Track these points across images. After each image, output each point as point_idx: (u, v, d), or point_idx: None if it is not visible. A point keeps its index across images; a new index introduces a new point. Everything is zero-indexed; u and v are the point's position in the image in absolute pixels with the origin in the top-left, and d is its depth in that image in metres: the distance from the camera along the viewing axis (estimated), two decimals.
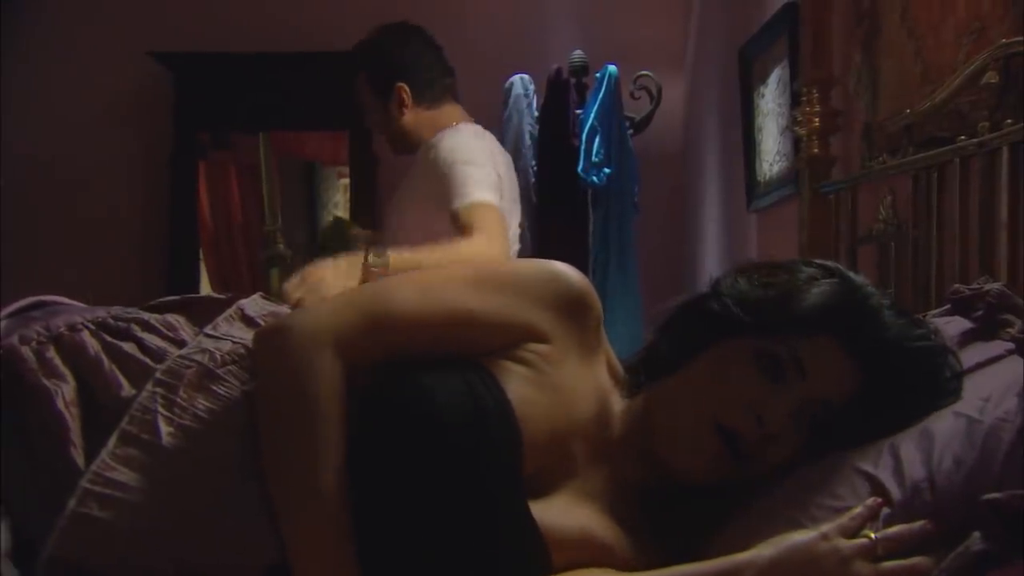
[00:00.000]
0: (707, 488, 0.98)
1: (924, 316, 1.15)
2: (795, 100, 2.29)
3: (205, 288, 3.81)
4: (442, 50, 2.48)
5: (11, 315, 1.06)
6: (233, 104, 3.65)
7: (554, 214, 3.40)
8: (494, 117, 3.57)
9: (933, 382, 0.97)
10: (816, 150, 2.10)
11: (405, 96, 2.35)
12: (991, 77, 1.51)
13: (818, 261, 1.04)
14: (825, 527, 0.88)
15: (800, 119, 2.12)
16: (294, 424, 0.92)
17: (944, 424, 0.92)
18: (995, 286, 1.10)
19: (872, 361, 0.95)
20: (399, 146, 2.41)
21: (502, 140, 3.50)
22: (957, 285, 1.18)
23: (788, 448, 0.96)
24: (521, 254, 3.27)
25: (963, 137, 1.56)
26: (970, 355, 1.03)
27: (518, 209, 2.52)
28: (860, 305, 0.97)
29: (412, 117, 2.36)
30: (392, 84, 2.35)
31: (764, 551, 0.88)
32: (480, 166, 2.17)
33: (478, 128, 2.41)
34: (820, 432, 0.96)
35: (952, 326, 1.11)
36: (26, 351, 0.98)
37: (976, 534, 0.82)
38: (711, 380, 0.97)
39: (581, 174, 3.30)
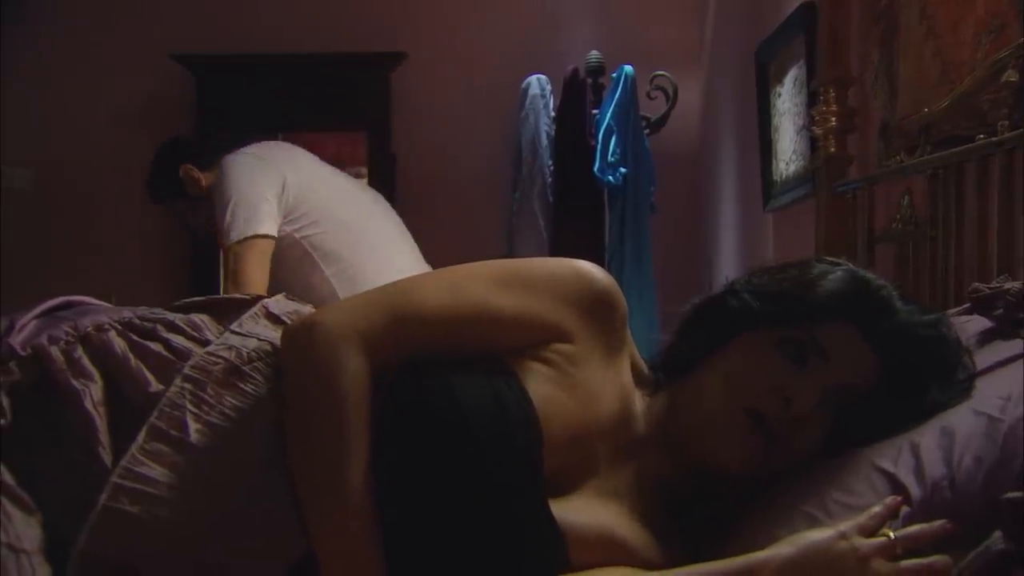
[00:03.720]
0: (736, 482, 0.99)
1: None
2: (812, 99, 2.29)
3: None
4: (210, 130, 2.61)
5: (40, 315, 1.07)
6: (253, 105, 3.68)
7: (571, 213, 3.41)
8: (511, 117, 3.59)
9: (944, 361, 0.98)
10: (833, 149, 2.10)
11: (192, 172, 2.46)
12: (1010, 75, 1.51)
13: (828, 258, 1.07)
14: (843, 526, 0.88)
15: (817, 118, 2.12)
16: (320, 419, 0.93)
17: (964, 422, 0.92)
18: (1015, 285, 1.10)
19: (887, 345, 0.97)
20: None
21: (519, 140, 3.52)
22: (976, 284, 1.18)
23: (816, 434, 0.96)
24: (538, 254, 3.30)
25: (982, 136, 1.56)
26: (990, 354, 1.03)
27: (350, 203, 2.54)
28: (873, 291, 1.00)
29: (210, 185, 2.43)
30: (176, 176, 2.46)
31: (782, 550, 0.88)
32: (244, 196, 2.31)
33: (261, 147, 2.49)
34: (845, 421, 0.96)
35: (972, 325, 1.11)
36: (55, 351, 0.99)
37: (997, 533, 0.82)
38: (736, 370, 0.99)
39: (597, 174, 3.31)
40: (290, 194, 2.35)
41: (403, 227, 2.64)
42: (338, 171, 2.64)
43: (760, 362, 0.97)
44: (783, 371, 0.96)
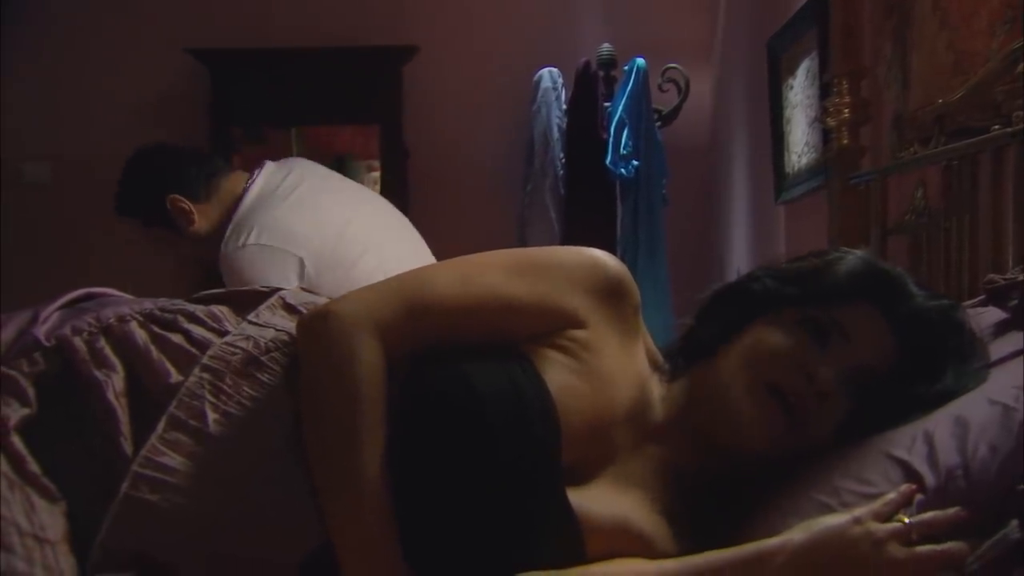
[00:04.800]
0: (754, 467, 0.99)
1: None
2: (824, 91, 2.28)
3: None
4: (188, 150, 2.33)
5: (63, 306, 1.08)
6: (266, 99, 3.69)
7: (582, 206, 3.41)
8: (523, 110, 3.59)
9: (958, 347, 0.99)
10: (846, 141, 2.09)
11: (182, 203, 2.19)
12: None
13: (843, 247, 1.08)
14: (858, 511, 0.88)
15: (830, 110, 2.12)
16: (335, 408, 0.94)
17: (979, 411, 0.92)
18: None
19: (904, 327, 0.98)
20: (213, 251, 2.17)
21: (531, 133, 3.53)
22: (992, 275, 1.18)
23: (838, 411, 0.97)
24: (550, 245, 3.30)
25: (997, 127, 1.56)
26: (1005, 345, 1.03)
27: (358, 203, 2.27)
28: (890, 274, 1.02)
29: (202, 219, 2.21)
30: (162, 205, 2.20)
31: (796, 535, 0.88)
32: (278, 265, 2.06)
33: (262, 181, 2.20)
34: (861, 404, 0.97)
35: (987, 316, 1.11)
36: (78, 342, 1.01)
37: (1014, 522, 0.82)
38: (758, 350, 0.99)
39: (609, 166, 3.31)
40: (310, 273, 2.08)
41: (416, 241, 2.34)
42: (344, 199, 2.25)
43: (781, 341, 0.98)
44: (804, 349, 0.97)
